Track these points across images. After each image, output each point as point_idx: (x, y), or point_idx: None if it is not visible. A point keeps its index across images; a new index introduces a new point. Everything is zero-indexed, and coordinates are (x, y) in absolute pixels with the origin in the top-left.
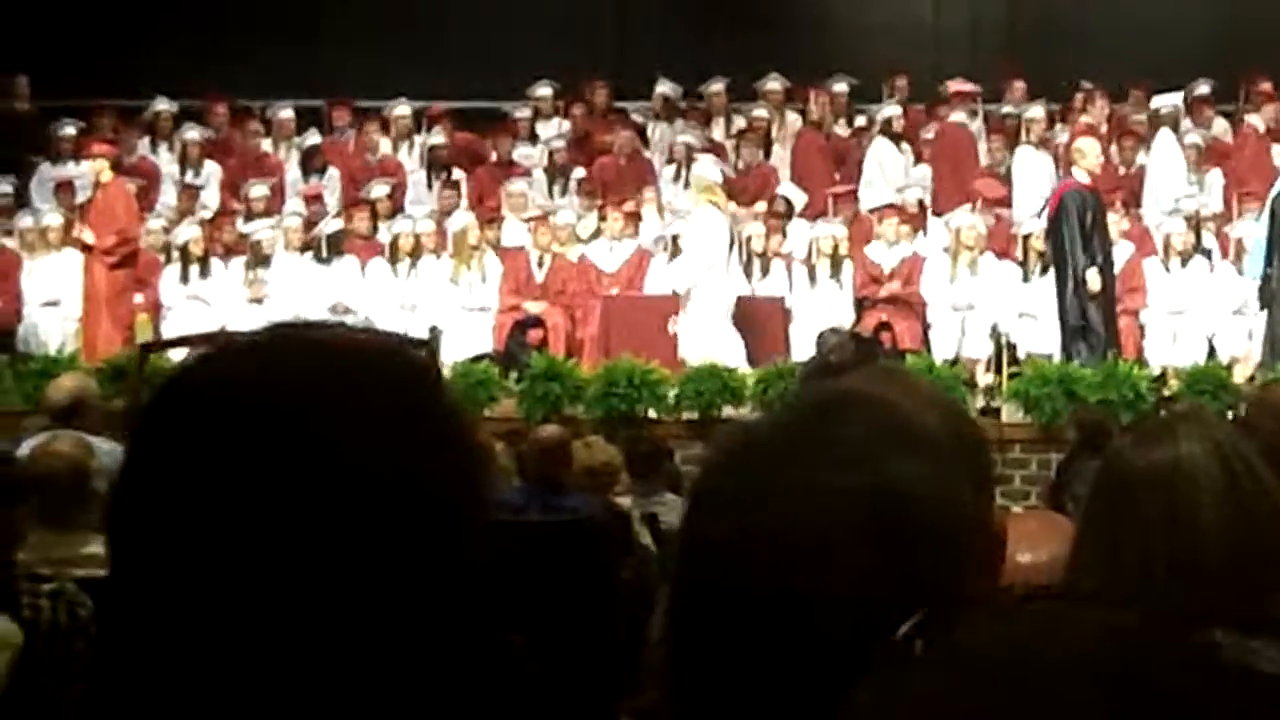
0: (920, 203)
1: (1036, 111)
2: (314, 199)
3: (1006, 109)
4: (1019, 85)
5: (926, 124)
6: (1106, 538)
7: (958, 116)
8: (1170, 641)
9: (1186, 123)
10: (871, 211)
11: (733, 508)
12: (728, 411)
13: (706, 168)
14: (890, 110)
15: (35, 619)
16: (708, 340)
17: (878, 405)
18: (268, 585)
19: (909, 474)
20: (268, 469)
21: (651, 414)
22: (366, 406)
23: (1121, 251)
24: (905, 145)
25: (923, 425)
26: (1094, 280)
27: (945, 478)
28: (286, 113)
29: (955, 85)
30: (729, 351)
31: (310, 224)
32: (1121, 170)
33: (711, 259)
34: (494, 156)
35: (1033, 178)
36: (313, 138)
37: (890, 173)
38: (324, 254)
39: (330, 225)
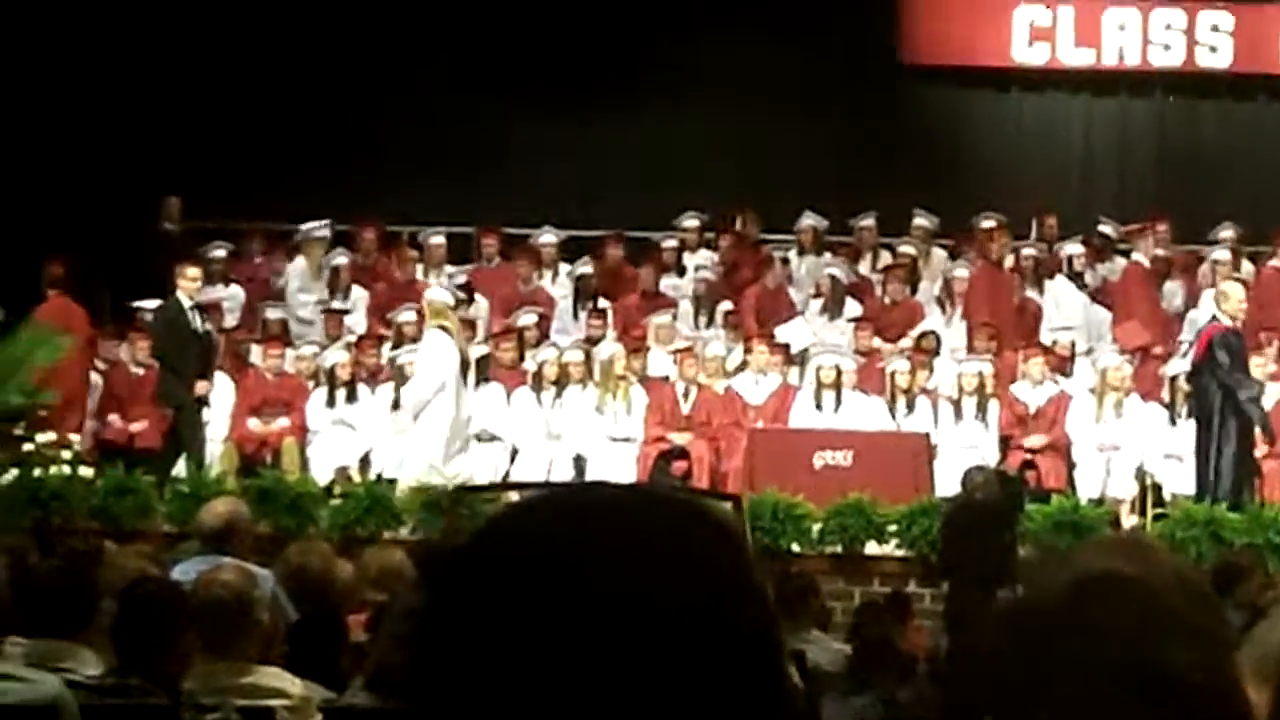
0: (1071, 344)
1: (1222, 254)
2: (465, 326)
3: (1157, 251)
4: (1162, 227)
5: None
6: None
7: (1138, 255)
8: None
9: None
10: (1018, 350)
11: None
12: (871, 547)
13: (437, 292)
14: (1072, 249)
15: None
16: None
17: (1137, 586)
18: None
19: (1178, 659)
20: (590, 625)
21: (795, 548)
22: (691, 564)
23: (1274, 391)
24: (1084, 283)
25: (1182, 608)
26: (1240, 427)
27: (1209, 662)
28: (438, 239)
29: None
30: (433, 474)
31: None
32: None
33: (441, 379)
34: (641, 286)
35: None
36: (458, 266)
37: (1066, 310)
38: (480, 379)
39: (475, 351)
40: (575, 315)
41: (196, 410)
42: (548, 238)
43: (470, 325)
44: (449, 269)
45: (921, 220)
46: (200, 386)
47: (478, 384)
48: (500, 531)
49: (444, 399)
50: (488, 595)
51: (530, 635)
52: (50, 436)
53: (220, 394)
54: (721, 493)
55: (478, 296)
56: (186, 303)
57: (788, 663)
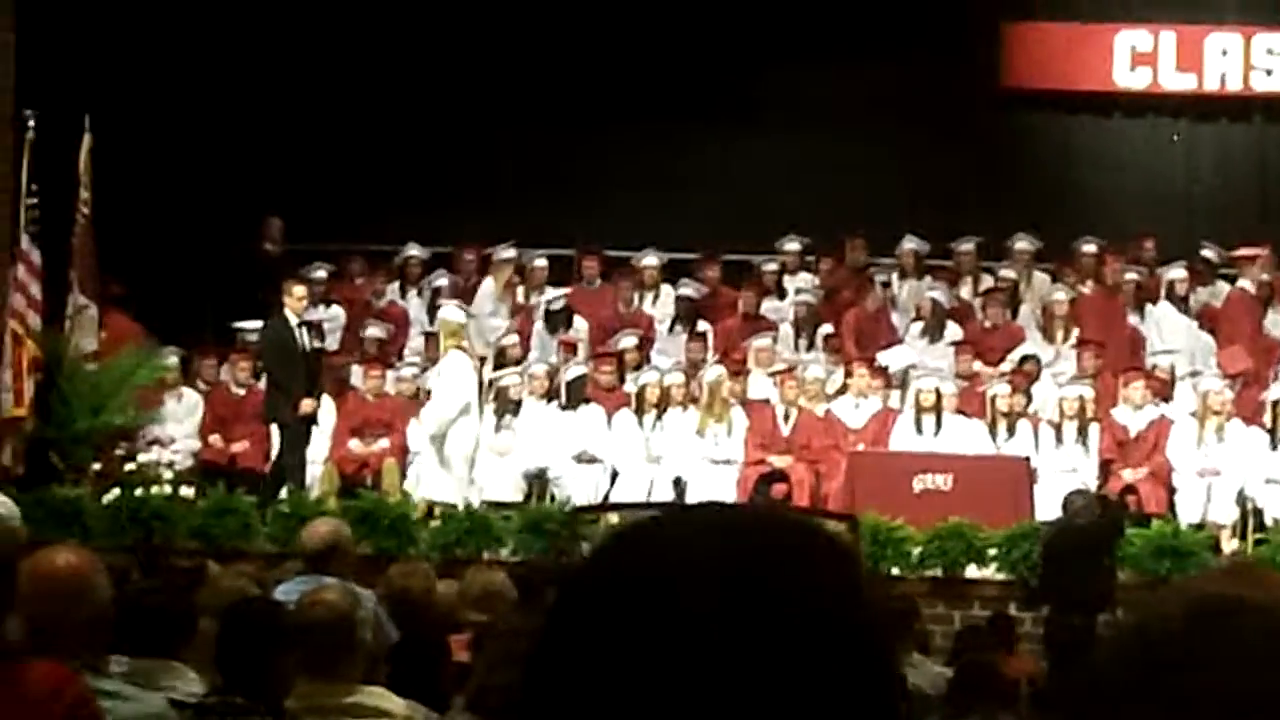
0: (1172, 368)
1: None
2: (568, 348)
3: (1263, 277)
4: (1266, 253)
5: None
6: None
7: (1244, 282)
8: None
9: None
10: (1119, 374)
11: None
12: (971, 571)
13: (451, 311)
14: (1175, 273)
15: None
16: (444, 482)
17: (1258, 613)
18: None
19: None
20: (707, 645)
21: (895, 571)
22: (808, 584)
23: None
24: (1186, 307)
25: None
26: None
27: None
28: (540, 261)
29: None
30: (459, 494)
31: (554, 372)
32: None
33: (460, 402)
34: (741, 309)
35: None
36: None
37: (1168, 335)
38: (565, 401)
39: (571, 372)
40: (672, 332)
41: (303, 429)
42: (650, 259)
43: (571, 347)
44: (549, 290)
45: (1023, 244)
46: (306, 405)
47: (574, 405)
48: (616, 552)
49: (467, 421)
50: (604, 616)
51: (646, 656)
52: (153, 456)
53: (321, 415)
54: (836, 513)
55: (577, 318)
56: (293, 320)
57: (903, 682)
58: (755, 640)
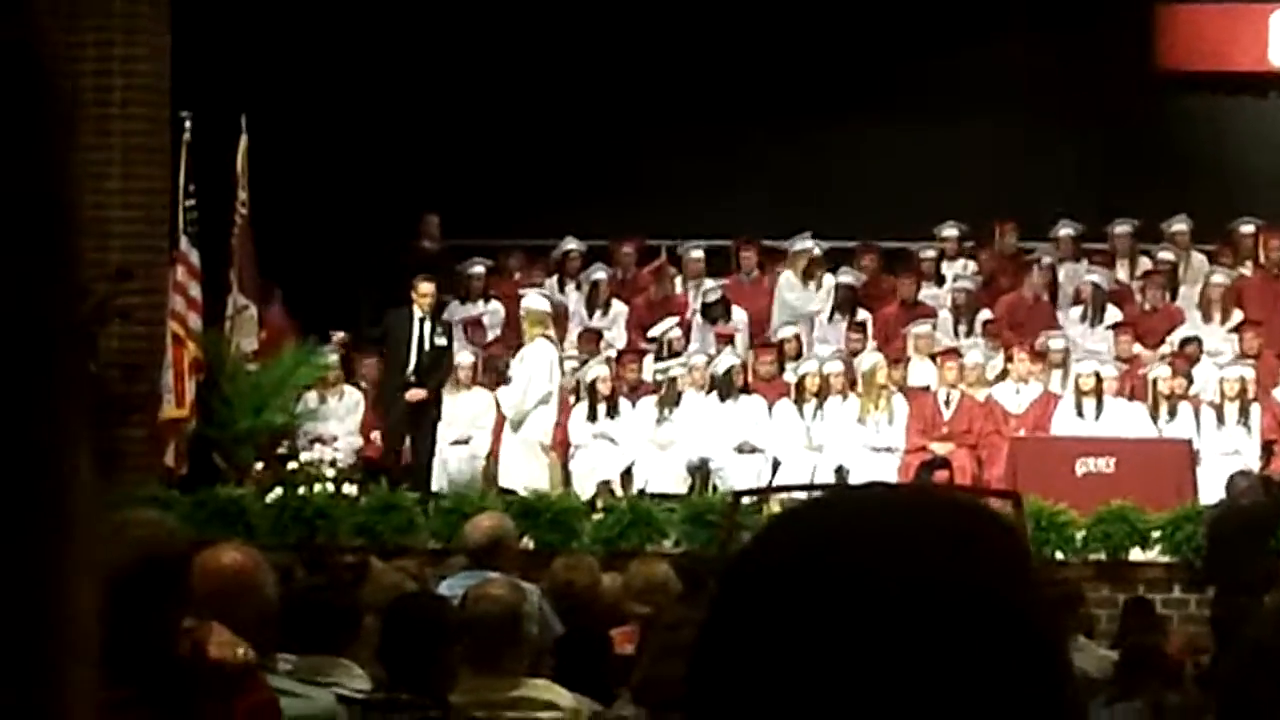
0: None
1: None
2: (725, 339)
3: None
4: None
5: None
6: None
7: None
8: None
9: None
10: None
11: None
12: (1135, 554)
13: (534, 300)
14: None
15: None
16: (526, 469)
17: None
18: None
19: None
20: (873, 627)
21: (1059, 555)
22: (974, 563)
23: None
24: None
25: None
26: None
27: None
28: (696, 253)
29: None
30: (542, 480)
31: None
32: None
33: (540, 390)
34: (900, 296)
35: None
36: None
37: None
38: (725, 393)
39: (722, 364)
40: (831, 320)
41: (412, 421)
42: (806, 245)
43: (727, 338)
44: (707, 282)
45: (1180, 225)
46: (413, 393)
47: (734, 396)
48: (779, 536)
49: (546, 410)
50: (766, 602)
51: (810, 641)
52: (315, 454)
53: (481, 410)
54: (1000, 490)
55: (735, 309)
56: (418, 314)
57: (1070, 665)
58: (922, 621)
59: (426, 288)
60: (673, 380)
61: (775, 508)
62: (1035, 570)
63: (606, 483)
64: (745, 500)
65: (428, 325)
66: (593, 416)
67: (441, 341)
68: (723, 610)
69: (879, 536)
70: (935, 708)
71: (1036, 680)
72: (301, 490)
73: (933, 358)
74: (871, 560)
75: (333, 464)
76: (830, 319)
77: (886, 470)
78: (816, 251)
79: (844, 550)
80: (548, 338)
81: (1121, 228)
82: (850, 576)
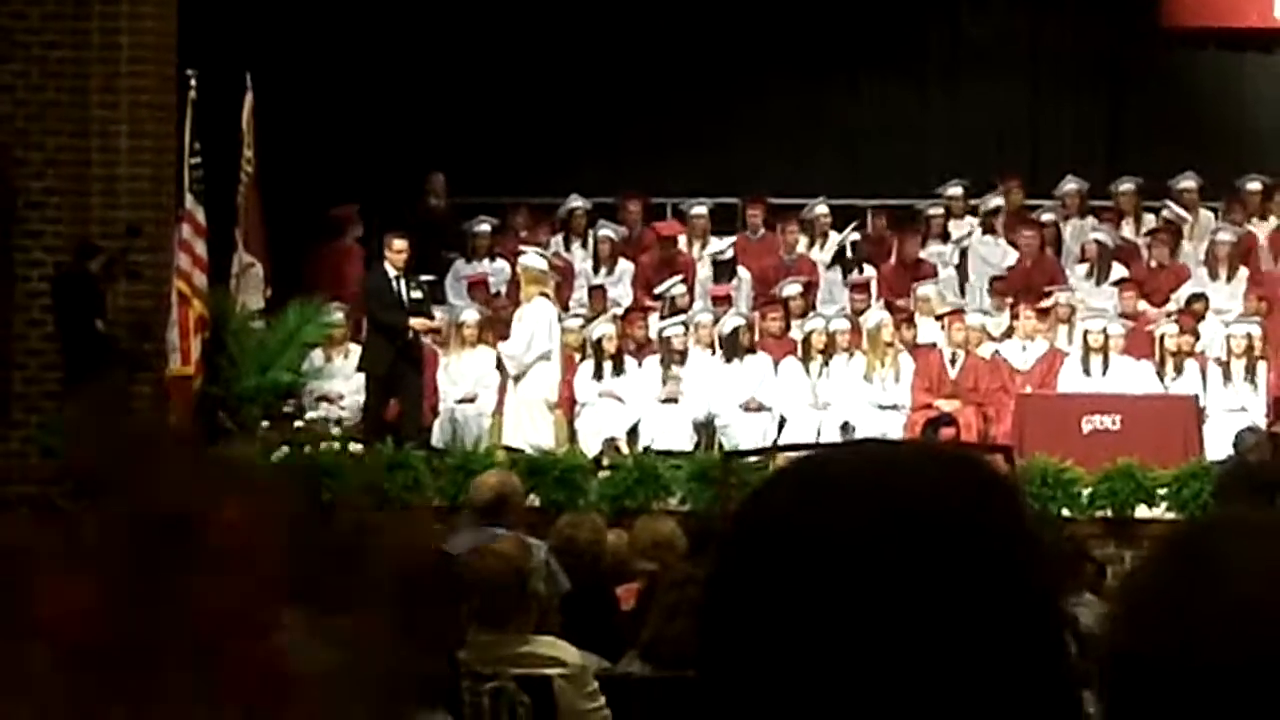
0: None
1: None
2: (722, 300)
3: None
4: None
5: None
6: None
7: None
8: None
9: None
10: None
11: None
12: (1141, 511)
13: (532, 258)
14: None
15: (477, 716)
16: (532, 427)
17: None
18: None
19: None
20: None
21: (1065, 513)
22: (968, 515)
23: None
24: None
25: None
26: None
27: None
28: (700, 210)
29: None
30: (548, 438)
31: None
32: None
33: (538, 348)
34: (904, 254)
35: None
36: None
37: None
38: (731, 352)
39: (729, 323)
40: (844, 280)
41: (397, 375)
42: (820, 209)
43: (725, 299)
44: (717, 242)
45: (1188, 182)
46: (418, 322)
47: (739, 355)
48: (776, 492)
49: (547, 367)
50: (766, 557)
51: (811, 595)
52: (321, 413)
53: (487, 369)
54: (991, 445)
55: (739, 268)
56: (392, 273)
57: (1067, 611)
58: (920, 574)
59: (400, 244)
60: (667, 340)
61: (778, 462)
62: (1031, 521)
63: (612, 440)
64: (747, 460)
65: (403, 281)
66: (599, 374)
67: (418, 295)
68: (722, 567)
69: (874, 488)
70: (933, 652)
71: (1033, 634)
72: (308, 449)
73: (939, 319)
74: (867, 511)
75: (339, 422)
76: (844, 275)
77: (892, 427)
78: (822, 209)
79: (840, 507)
80: (546, 295)
81: (1127, 185)
82: (846, 534)
